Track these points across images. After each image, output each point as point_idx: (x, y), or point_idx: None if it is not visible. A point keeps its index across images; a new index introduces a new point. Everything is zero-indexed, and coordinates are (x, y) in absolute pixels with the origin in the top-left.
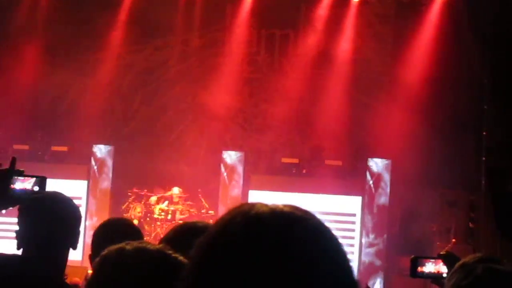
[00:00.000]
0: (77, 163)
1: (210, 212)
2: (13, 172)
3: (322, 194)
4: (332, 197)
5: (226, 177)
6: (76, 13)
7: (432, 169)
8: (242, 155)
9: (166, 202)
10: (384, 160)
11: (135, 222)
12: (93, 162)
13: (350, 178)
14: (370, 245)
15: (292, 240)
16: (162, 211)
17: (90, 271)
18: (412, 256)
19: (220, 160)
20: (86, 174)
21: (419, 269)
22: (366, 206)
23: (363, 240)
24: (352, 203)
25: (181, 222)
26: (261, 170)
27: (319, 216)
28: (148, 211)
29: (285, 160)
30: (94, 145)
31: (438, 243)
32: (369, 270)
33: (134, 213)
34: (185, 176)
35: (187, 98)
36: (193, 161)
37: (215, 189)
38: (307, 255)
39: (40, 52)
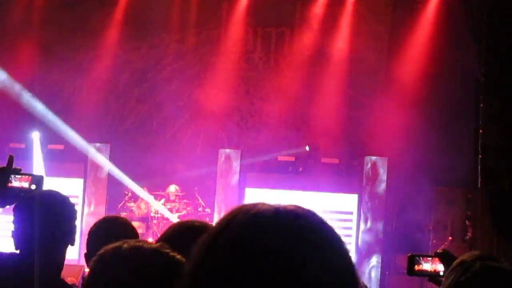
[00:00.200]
0: (73, 161)
1: (206, 210)
2: (11, 170)
3: (318, 192)
4: (329, 195)
5: (222, 175)
6: (71, 12)
7: (428, 167)
8: (239, 153)
9: (163, 200)
10: (380, 158)
11: (136, 224)
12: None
13: (347, 176)
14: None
15: (295, 239)
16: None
17: (87, 270)
18: (409, 254)
19: (216, 158)
20: (82, 172)
21: (416, 267)
22: (362, 204)
23: (359, 238)
24: (349, 201)
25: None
26: (257, 168)
27: (320, 215)
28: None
29: (282, 158)
30: (90, 143)
31: (434, 241)
32: (365, 268)
33: (140, 211)
34: (181, 174)
35: (183, 96)
36: (189, 159)
37: (211, 187)
38: (310, 253)
39: (36, 51)
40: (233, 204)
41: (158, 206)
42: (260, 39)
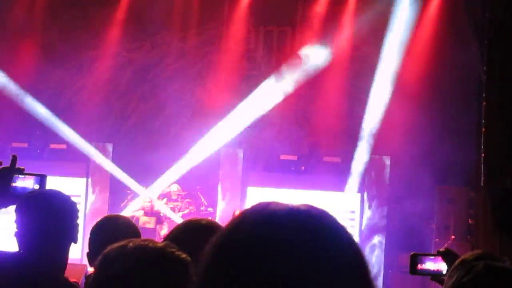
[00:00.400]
0: (75, 161)
1: (209, 209)
2: (14, 170)
3: (320, 191)
4: (331, 194)
5: (224, 174)
6: (73, 11)
7: (430, 166)
8: (241, 152)
9: (165, 199)
10: (382, 156)
11: (150, 221)
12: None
13: (349, 175)
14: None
15: (308, 239)
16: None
17: (89, 269)
18: (411, 253)
19: (219, 157)
20: (84, 171)
21: (419, 266)
22: (364, 203)
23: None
24: (351, 200)
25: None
26: (260, 167)
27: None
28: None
29: (284, 157)
30: (92, 143)
31: (437, 239)
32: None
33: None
34: (183, 173)
35: (185, 95)
36: (192, 159)
37: (214, 186)
38: (323, 254)
39: (38, 50)
40: (235, 203)
41: (159, 205)
42: (262, 38)
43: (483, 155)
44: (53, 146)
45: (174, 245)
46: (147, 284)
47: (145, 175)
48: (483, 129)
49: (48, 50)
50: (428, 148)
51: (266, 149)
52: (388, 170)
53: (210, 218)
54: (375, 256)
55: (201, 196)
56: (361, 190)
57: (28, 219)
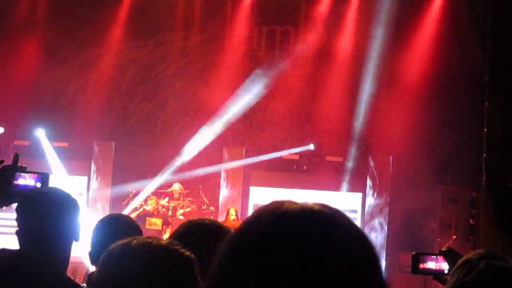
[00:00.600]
0: (77, 159)
1: (210, 208)
2: (16, 168)
3: (322, 191)
4: (333, 194)
5: (226, 173)
6: (76, 9)
7: (432, 166)
8: (243, 151)
9: (167, 198)
10: (384, 156)
11: (158, 222)
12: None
13: (351, 175)
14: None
15: (324, 238)
16: (162, 207)
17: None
18: (413, 252)
19: (221, 156)
20: (86, 170)
21: (420, 265)
22: (366, 202)
23: None
24: (353, 200)
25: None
26: (262, 166)
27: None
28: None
29: (286, 156)
30: (94, 141)
31: (438, 239)
32: None
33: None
34: (185, 172)
35: (188, 94)
36: (193, 157)
37: (215, 185)
38: (336, 254)
39: (40, 48)
40: (237, 203)
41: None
42: (264, 37)
43: (484, 155)
44: (55, 144)
45: (177, 242)
46: (151, 281)
47: (147, 173)
48: (485, 130)
49: (50, 49)
50: (429, 147)
51: (269, 148)
52: (390, 170)
53: (211, 217)
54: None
55: (203, 195)
56: (363, 190)
57: (30, 217)
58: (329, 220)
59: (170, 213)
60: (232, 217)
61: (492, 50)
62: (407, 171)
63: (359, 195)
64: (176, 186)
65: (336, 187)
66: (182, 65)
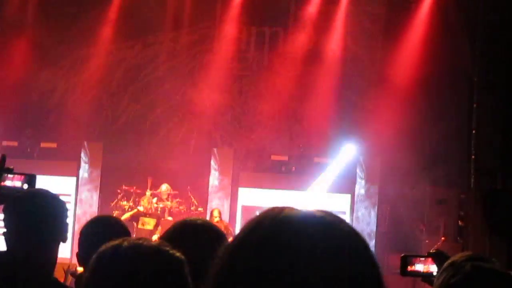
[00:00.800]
0: (66, 160)
1: (199, 209)
2: (3, 169)
3: (311, 192)
4: (322, 195)
5: (215, 174)
6: (65, 9)
7: (421, 167)
8: (231, 153)
9: (155, 199)
10: (373, 157)
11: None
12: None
13: (339, 176)
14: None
15: (323, 245)
16: (155, 208)
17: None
18: (402, 254)
19: (209, 157)
20: (75, 171)
21: (409, 267)
22: (355, 204)
23: None
24: (341, 201)
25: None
26: (251, 167)
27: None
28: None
29: (275, 157)
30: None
31: (427, 241)
32: None
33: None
34: (174, 173)
35: (177, 95)
36: (182, 158)
37: (204, 186)
38: (337, 260)
39: (29, 48)
40: (226, 204)
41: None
42: (254, 38)
43: (473, 156)
44: (43, 144)
45: (167, 243)
46: (142, 282)
47: (136, 174)
48: (474, 131)
49: (39, 49)
50: (418, 148)
51: (257, 149)
52: (378, 171)
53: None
54: None
55: (192, 196)
56: (351, 191)
57: (16, 219)
58: (330, 227)
59: (159, 213)
60: (216, 219)
61: (481, 51)
62: (396, 172)
63: (347, 196)
64: (164, 187)
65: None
66: (171, 66)
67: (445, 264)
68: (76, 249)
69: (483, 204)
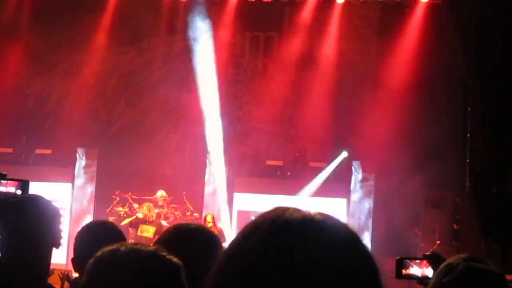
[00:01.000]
0: (61, 166)
1: (194, 214)
2: None
3: (306, 197)
4: (317, 199)
5: (210, 179)
6: (60, 16)
7: (416, 171)
8: (227, 158)
9: (151, 205)
10: (368, 161)
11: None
12: (77, 165)
13: (335, 180)
14: None
15: (323, 248)
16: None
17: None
18: (397, 257)
19: (204, 162)
20: (70, 177)
21: (404, 270)
22: (351, 208)
23: None
24: (337, 205)
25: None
26: (246, 172)
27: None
28: (133, 214)
29: (270, 162)
30: (78, 148)
31: (422, 244)
32: None
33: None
34: (169, 179)
35: (171, 101)
36: (177, 164)
37: (199, 192)
38: (337, 264)
39: (23, 55)
40: (221, 209)
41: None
42: (248, 43)
43: (468, 160)
44: (38, 151)
45: (164, 249)
46: (138, 287)
47: (131, 181)
48: (468, 135)
49: (34, 55)
50: (414, 153)
51: (252, 154)
52: (374, 175)
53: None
54: None
55: (187, 202)
56: (347, 195)
57: (9, 224)
58: (330, 230)
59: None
60: (210, 224)
61: (475, 55)
62: (391, 176)
63: (343, 201)
64: (160, 193)
65: (320, 193)
66: (166, 71)
67: (440, 267)
68: (71, 255)
69: (478, 208)
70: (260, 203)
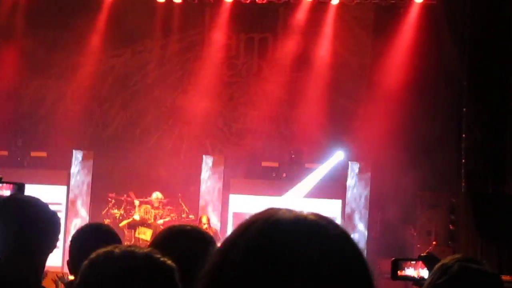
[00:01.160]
0: (56, 168)
1: (190, 216)
2: None
3: (302, 198)
4: (312, 201)
5: (206, 181)
6: (55, 18)
7: (412, 172)
8: (222, 159)
9: (148, 207)
10: (363, 162)
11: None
12: (72, 167)
13: (330, 181)
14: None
15: (315, 248)
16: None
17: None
18: (393, 258)
19: (200, 164)
20: (65, 179)
21: (400, 271)
22: (346, 209)
23: None
24: (332, 206)
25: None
26: (241, 174)
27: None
28: (128, 216)
29: (265, 164)
30: (73, 150)
31: (418, 245)
32: None
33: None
34: (165, 181)
35: (166, 103)
36: (172, 166)
37: (195, 194)
38: (329, 263)
39: (18, 57)
40: (216, 211)
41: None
42: (243, 45)
43: (463, 160)
44: (33, 153)
45: (158, 251)
46: None
47: (127, 183)
48: (464, 135)
49: (29, 57)
50: (409, 154)
51: (248, 156)
52: (369, 176)
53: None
54: None
55: (183, 203)
56: (342, 196)
57: (4, 226)
58: (322, 230)
59: (149, 221)
60: (205, 225)
61: (470, 56)
62: (386, 177)
63: (338, 202)
64: (155, 195)
65: (316, 194)
66: (161, 73)
67: (435, 267)
68: (67, 258)
69: (473, 208)
70: (255, 204)
